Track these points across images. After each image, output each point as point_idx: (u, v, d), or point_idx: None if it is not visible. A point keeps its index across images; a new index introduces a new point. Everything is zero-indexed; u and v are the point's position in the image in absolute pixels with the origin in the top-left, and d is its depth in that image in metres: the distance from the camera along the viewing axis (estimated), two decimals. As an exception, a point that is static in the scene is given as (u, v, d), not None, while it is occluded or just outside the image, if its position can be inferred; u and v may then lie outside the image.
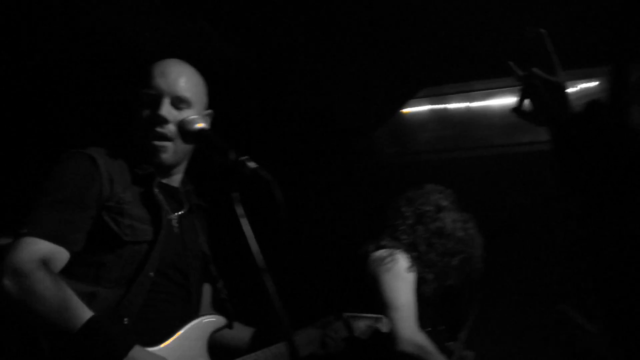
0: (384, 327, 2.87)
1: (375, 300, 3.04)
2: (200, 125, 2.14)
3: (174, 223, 2.28)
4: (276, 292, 1.72)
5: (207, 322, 2.30)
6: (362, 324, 2.79)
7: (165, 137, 2.22)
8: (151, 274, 2.10)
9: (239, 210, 1.84)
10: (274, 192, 1.83)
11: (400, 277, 3.09)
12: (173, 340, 2.13)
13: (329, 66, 4.33)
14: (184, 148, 2.29)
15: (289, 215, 1.86)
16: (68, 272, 2.03)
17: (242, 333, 2.50)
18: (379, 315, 2.85)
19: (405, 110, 5.24)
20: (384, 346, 3.02)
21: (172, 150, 2.24)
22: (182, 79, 2.27)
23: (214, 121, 2.41)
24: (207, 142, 2.06)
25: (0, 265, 1.92)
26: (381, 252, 3.17)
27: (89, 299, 1.98)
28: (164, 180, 2.31)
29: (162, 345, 2.08)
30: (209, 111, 2.42)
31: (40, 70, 3.60)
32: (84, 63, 3.67)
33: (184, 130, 2.17)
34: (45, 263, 1.95)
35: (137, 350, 1.92)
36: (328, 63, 4.30)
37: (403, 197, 3.41)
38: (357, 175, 5.14)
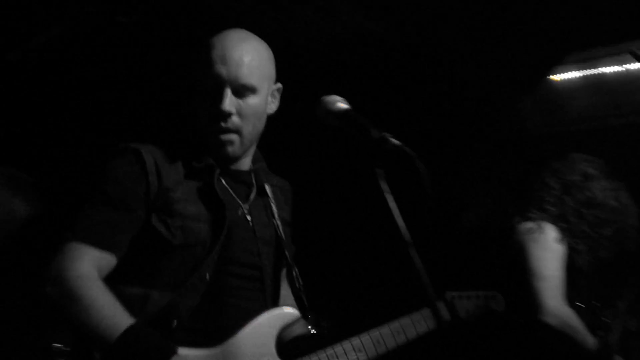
0: (498, 305, 2.71)
1: (521, 273, 3.00)
2: (343, 105, 2.06)
3: (246, 215, 2.15)
4: (422, 266, 1.75)
5: (275, 316, 2.11)
6: (469, 304, 2.61)
7: (230, 130, 2.08)
8: (207, 275, 1.99)
9: (384, 186, 1.87)
10: (418, 167, 1.83)
11: (547, 248, 3.03)
12: (234, 339, 1.99)
13: (472, 34, 4.24)
14: (252, 135, 2.15)
15: (434, 189, 1.86)
16: (120, 275, 1.97)
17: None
18: (492, 293, 2.70)
19: (554, 77, 5.03)
20: (498, 329, 2.93)
21: (238, 142, 2.11)
22: (245, 63, 2.06)
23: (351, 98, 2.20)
24: (351, 121, 2.00)
25: (44, 272, 1.88)
26: (527, 224, 3.12)
27: (141, 302, 1.94)
28: (233, 167, 2.17)
29: (221, 345, 1.97)
30: (277, 86, 2.25)
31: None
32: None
33: (327, 111, 2.05)
34: (88, 269, 1.88)
35: (177, 358, 1.84)
36: (470, 31, 4.21)
37: (548, 168, 3.32)
38: (502, 148, 5.02)
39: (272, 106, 2.25)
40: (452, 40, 4.32)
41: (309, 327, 2.30)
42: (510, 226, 3.20)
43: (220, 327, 2.00)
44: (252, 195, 2.21)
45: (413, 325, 2.38)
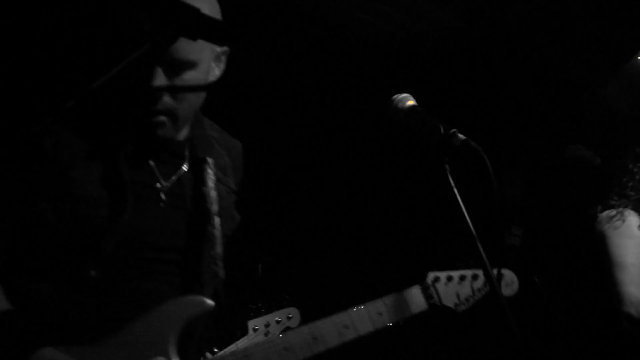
0: (509, 287, 2.24)
1: (602, 263, 2.95)
2: (411, 102, 2.08)
3: (161, 194, 1.87)
4: (487, 260, 1.79)
5: (180, 306, 1.75)
6: (462, 288, 2.14)
7: (160, 113, 1.79)
8: (93, 270, 1.72)
9: (451, 181, 1.92)
10: (484, 162, 1.86)
11: (629, 236, 2.96)
12: (121, 332, 1.70)
13: (554, 12, 4.16)
14: (189, 113, 1.90)
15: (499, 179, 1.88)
16: (8, 264, 1.78)
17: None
18: (497, 270, 2.03)
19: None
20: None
21: (170, 124, 1.83)
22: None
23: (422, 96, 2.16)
24: (418, 118, 2.02)
25: None
26: (609, 212, 3.06)
27: (24, 294, 1.73)
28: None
29: (104, 340, 1.69)
30: (223, 49, 1.92)
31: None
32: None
33: (396, 109, 2.08)
34: None
35: (46, 352, 1.64)
36: (553, 7, 4.13)
37: (631, 153, 3.23)
38: (587, 132, 4.89)
39: (216, 72, 1.94)
40: (534, 25, 4.25)
41: (221, 319, 1.94)
42: (592, 215, 3.14)
43: (106, 321, 1.74)
44: (183, 170, 1.95)
45: (365, 320, 2.03)
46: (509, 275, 2.26)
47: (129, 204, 1.78)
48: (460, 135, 1.94)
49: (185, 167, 1.95)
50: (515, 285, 2.27)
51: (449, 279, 2.17)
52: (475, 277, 2.21)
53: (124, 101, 1.83)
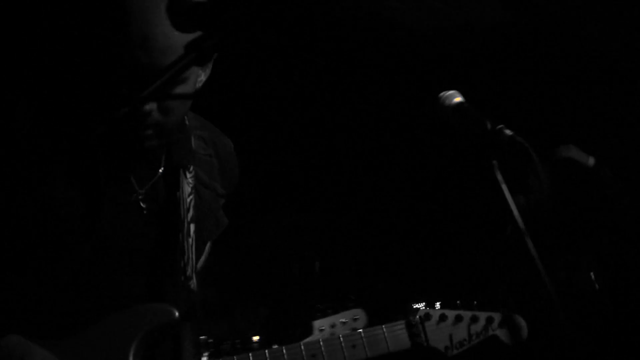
0: (514, 334, 1.89)
1: None
2: (458, 99, 2.05)
3: (140, 202, 1.82)
4: (538, 255, 1.76)
5: (141, 313, 1.68)
6: (457, 330, 1.92)
7: (148, 127, 1.72)
8: (63, 274, 1.70)
9: (499, 176, 1.90)
10: (531, 158, 1.84)
11: None
12: (79, 336, 1.66)
13: (604, 4, 4.05)
14: (176, 124, 1.82)
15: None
16: None
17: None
18: (500, 314, 1.93)
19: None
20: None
21: (157, 138, 1.76)
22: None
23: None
24: (465, 114, 1.99)
25: None
26: None
27: None
28: None
29: (65, 340, 1.65)
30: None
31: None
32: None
33: (442, 107, 2.05)
34: None
35: (13, 338, 1.63)
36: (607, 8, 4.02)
37: None
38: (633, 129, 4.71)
39: (202, 78, 1.86)
40: (586, 22, 4.15)
41: (188, 331, 1.82)
42: None
43: (83, 322, 1.72)
44: (159, 174, 1.88)
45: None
46: (517, 320, 1.99)
47: (103, 210, 1.73)
48: (507, 131, 1.92)
49: (160, 172, 1.89)
50: (524, 332, 1.95)
51: (442, 318, 2.00)
52: (474, 319, 2.02)
53: (111, 114, 1.74)
